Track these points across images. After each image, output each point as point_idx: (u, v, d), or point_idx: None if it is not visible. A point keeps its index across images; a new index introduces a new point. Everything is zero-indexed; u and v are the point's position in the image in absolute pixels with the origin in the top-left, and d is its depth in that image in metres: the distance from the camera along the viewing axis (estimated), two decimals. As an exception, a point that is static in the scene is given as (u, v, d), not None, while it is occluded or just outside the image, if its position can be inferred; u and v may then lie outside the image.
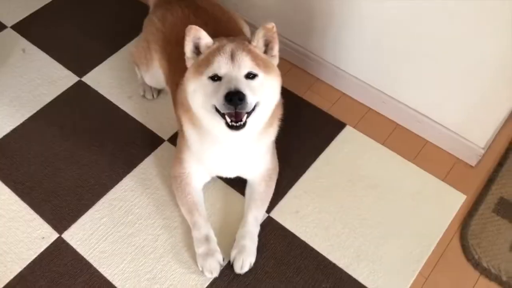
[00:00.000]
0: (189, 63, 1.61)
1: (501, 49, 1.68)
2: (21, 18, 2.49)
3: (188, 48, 1.58)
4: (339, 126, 2.14)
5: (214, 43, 1.56)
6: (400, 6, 1.82)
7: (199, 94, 1.55)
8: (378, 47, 2.00)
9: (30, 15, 2.51)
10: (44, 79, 2.27)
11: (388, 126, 2.15)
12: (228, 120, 1.50)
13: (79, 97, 2.22)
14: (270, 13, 2.22)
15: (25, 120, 2.13)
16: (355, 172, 2.00)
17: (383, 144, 2.09)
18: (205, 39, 1.55)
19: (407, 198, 1.94)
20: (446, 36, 1.78)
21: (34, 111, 2.16)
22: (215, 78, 1.51)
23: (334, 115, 2.17)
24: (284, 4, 2.16)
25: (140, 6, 2.52)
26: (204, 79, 1.53)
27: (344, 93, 2.24)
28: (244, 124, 1.51)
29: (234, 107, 1.45)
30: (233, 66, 1.50)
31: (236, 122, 1.50)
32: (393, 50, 1.96)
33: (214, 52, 1.53)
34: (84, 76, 2.29)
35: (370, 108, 2.20)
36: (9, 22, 2.48)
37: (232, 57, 1.50)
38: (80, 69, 2.31)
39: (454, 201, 1.94)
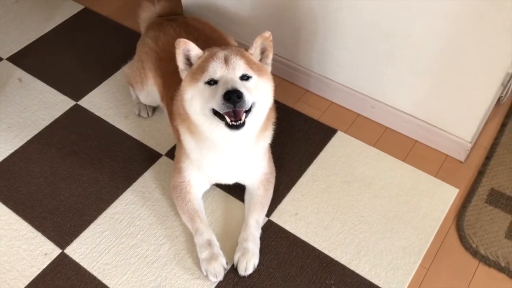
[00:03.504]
0: (183, 75, 1.68)
1: (480, 45, 1.78)
2: (16, 51, 2.57)
3: (180, 61, 1.65)
4: (331, 132, 2.21)
5: (205, 52, 1.64)
6: (377, 12, 1.92)
7: (197, 100, 1.61)
8: (362, 53, 2.10)
9: (25, 47, 2.59)
10: (41, 105, 2.33)
11: (378, 129, 2.23)
12: (228, 120, 1.56)
13: (76, 120, 2.27)
14: (257, 31, 2.29)
15: (24, 144, 2.17)
16: (349, 174, 2.06)
17: (374, 146, 2.16)
18: (194, 50, 1.64)
19: (402, 194, 1.99)
20: (423, 35, 1.88)
21: (32, 135, 2.20)
22: (211, 82, 1.58)
23: (325, 123, 2.25)
24: (271, 22, 2.27)
25: (131, 33, 2.62)
26: (200, 85, 1.60)
27: (333, 102, 2.33)
28: (244, 123, 1.57)
29: (233, 105, 1.51)
30: (228, 69, 1.57)
31: (236, 121, 1.56)
32: (375, 54, 2.06)
33: (208, 59, 1.61)
34: (80, 100, 2.35)
35: (359, 114, 2.28)
36: (5, 55, 2.55)
37: (226, 61, 1.58)
38: (76, 93, 2.37)
39: (448, 194, 1.99)
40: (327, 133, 2.21)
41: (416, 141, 2.18)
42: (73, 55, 2.56)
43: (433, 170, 2.07)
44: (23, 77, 2.45)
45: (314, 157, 2.12)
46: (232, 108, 1.52)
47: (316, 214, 1.93)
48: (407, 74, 2.04)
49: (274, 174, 1.96)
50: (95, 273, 1.78)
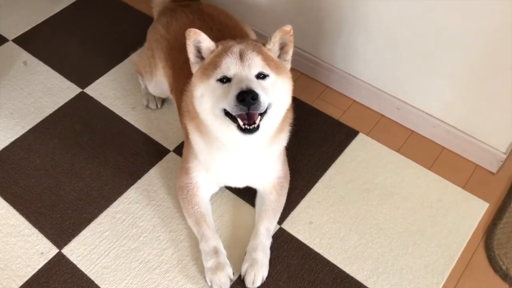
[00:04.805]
0: (194, 68, 1.54)
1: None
2: (22, 32, 2.45)
3: (191, 53, 1.51)
4: (352, 134, 2.06)
5: (218, 46, 1.49)
6: (407, 6, 1.76)
7: (207, 99, 1.47)
8: (389, 51, 1.94)
9: (32, 28, 2.47)
10: (46, 91, 2.21)
11: (403, 132, 2.07)
12: (241, 123, 1.42)
13: (81, 109, 2.15)
14: (277, 21, 2.17)
15: (25, 132, 2.06)
16: (370, 181, 1.91)
17: (398, 151, 2.00)
18: (206, 42, 1.49)
19: (426, 206, 1.84)
20: (458, 34, 1.71)
21: (35, 123, 2.09)
22: (224, 80, 1.44)
23: (345, 123, 2.09)
24: (293, 11, 2.11)
25: (143, 17, 2.48)
26: (212, 82, 1.45)
27: (355, 100, 2.17)
28: (258, 126, 1.43)
29: (247, 107, 1.37)
30: (243, 66, 1.43)
31: (249, 124, 1.41)
32: (404, 52, 1.90)
33: (221, 54, 1.46)
34: (87, 88, 2.22)
35: (383, 115, 2.12)
36: (11, 36, 2.44)
37: (241, 57, 1.44)
38: (82, 80, 2.25)
39: (476, 209, 1.83)
40: (348, 134, 2.05)
41: (444, 148, 2.02)
42: (82, 38, 2.43)
43: (461, 181, 1.91)
44: (28, 61, 2.33)
45: (333, 160, 1.97)
46: (245, 111, 1.37)
47: (332, 224, 1.79)
48: (437, 75, 1.87)
49: (288, 179, 1.82)
50: (92, 277, 1.67)
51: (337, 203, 1.85)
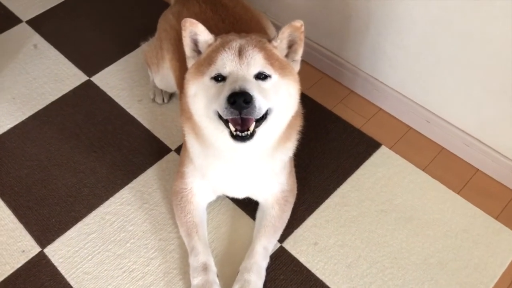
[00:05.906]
0: (189, 63, 1.38)
1: None
2: (37, 14, 2.37)
3: (187, 46, 1.36)
4: (373, 146, 1.85)
5: (216, 40, 1.32)
6: (447, 7, 1.54)
7: (201, 98, 1.31)
8: (422, 56, 1.72)
9: (47, 11, 2.39)
10: (51, 76, 2.11)
11: (431, 149, 1.84)
12: (232, 128, 1.25)
13: (85, 98, 2.04)
14: (300, 14, 1.97)
15: (25, 119, 1.97)
16: (388, 201, 1.70)
17: (424, 170, 1.78)
18: (203, 35, 1.33)
19: (451, 236, 1.61)
20: (499, 41, 1.48)
21: (36, 110, 2.00)
22: (219, 78, 1.27)
23: (367, 133, 1.89)
24: (317, 5, 1.91)
25: (162, 5, 2.33)
26: (206, 80, 1.29)
27: (381, 109, 1.96)
28: (252, 134, 1.25)
29: (239, 111, 1.19)
30: (241, 64, 1.25)
31: (242, 131, 1.24)
32: (439, 59, 1.68)
33: (218, 49, 1.30)
34: (93, 76, 2.11)
35: (411, 127, 1.90)
36: (25, 17, 2.35)
37: (240, 53, 1.27)
38: (90, 68, 2.14)
39: (510, 244, 1.60)
40: (369, 146, 1.84)
41: (477, 169, 1.78)
42: (96, 23, 2.33)
43: (494, 210, 1.68)
44: (39, 44, 2.24)
45: (348, 175, 1.77)
46: (237, 115, 1.20)
47: (339, 248, 1.59)
48: (477, 87, 1.64)
49: (294, 192, 1.64)
50: (72, 282, 1.54)
51: (348, 224, 1.65)
